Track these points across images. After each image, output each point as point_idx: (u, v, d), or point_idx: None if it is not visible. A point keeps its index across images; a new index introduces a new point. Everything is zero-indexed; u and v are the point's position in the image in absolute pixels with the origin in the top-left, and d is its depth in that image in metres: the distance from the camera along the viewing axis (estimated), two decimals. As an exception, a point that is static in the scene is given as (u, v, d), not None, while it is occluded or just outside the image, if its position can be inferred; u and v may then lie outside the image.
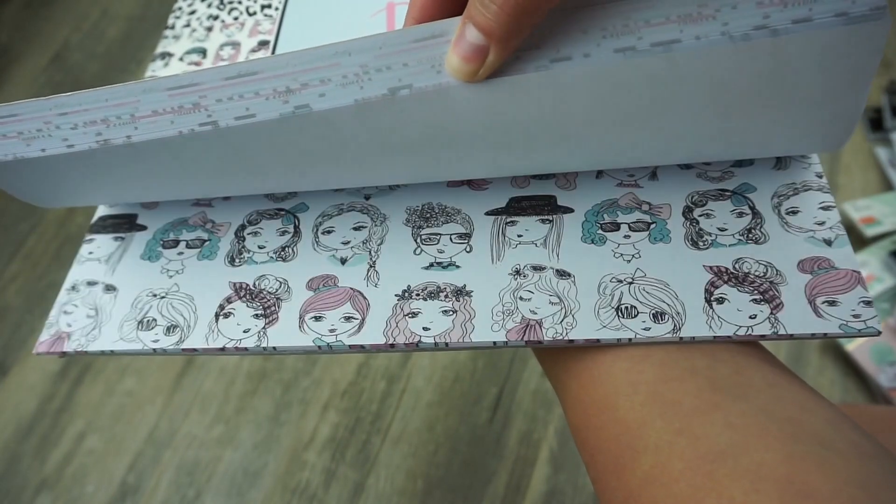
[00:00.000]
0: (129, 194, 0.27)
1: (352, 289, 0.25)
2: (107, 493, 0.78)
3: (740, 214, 0.24)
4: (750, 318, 0.22)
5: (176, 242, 0.29)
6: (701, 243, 0.24)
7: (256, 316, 0.25)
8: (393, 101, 0.20)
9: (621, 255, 0.24)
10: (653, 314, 0.22)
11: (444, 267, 0.25)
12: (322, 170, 0.24)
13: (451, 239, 0.26)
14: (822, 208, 0.24)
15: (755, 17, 0.18)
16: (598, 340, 0.22)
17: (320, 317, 0.25)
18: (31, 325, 0.92)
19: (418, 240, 0.26)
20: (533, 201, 0.26)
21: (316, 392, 0.82)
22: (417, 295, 0.24)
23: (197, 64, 0.35)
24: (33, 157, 0.23)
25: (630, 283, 0.23)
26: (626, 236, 0.24)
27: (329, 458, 0.78)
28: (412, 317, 0.24)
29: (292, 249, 0.27)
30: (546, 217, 0.26)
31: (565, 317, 0.23)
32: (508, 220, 0.26)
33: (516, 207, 0.26)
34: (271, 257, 0.27)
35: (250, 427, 0.81)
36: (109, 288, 0.28)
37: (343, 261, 0.26)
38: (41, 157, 0.23)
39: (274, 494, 0.76)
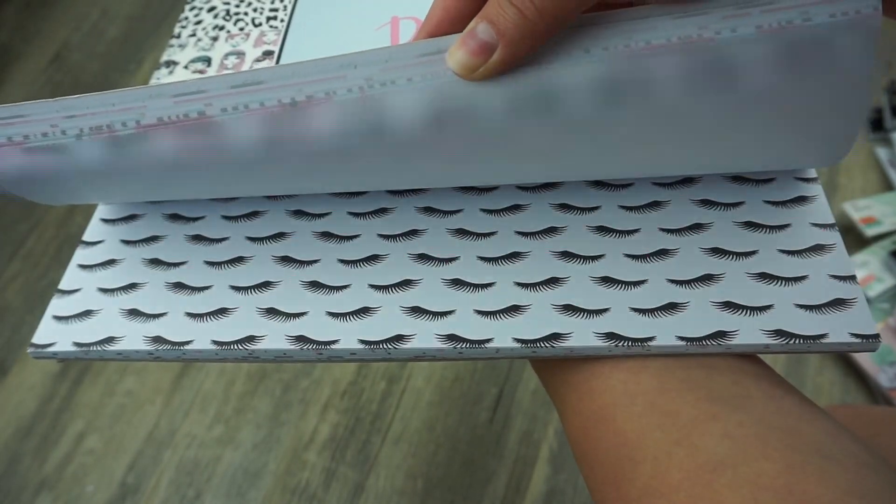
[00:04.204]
0: (132, 194, 0.27)
1: None
2: (107, 493, 0.78)
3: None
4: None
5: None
6: None
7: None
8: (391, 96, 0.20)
9: None
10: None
11: None
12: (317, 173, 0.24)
13: None
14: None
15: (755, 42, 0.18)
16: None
17: None
18: (31, 325, 0.92)
19: None
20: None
21: (316, 392, 0.83)
22: None
23: (201, 72, 0.35)
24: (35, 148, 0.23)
25: None
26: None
27: (329, 458, 0.78)
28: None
29: None
30: None
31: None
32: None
33: None
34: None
35: (250, 427, 0.81)
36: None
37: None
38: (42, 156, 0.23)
39: (274, 494, 0.76)
